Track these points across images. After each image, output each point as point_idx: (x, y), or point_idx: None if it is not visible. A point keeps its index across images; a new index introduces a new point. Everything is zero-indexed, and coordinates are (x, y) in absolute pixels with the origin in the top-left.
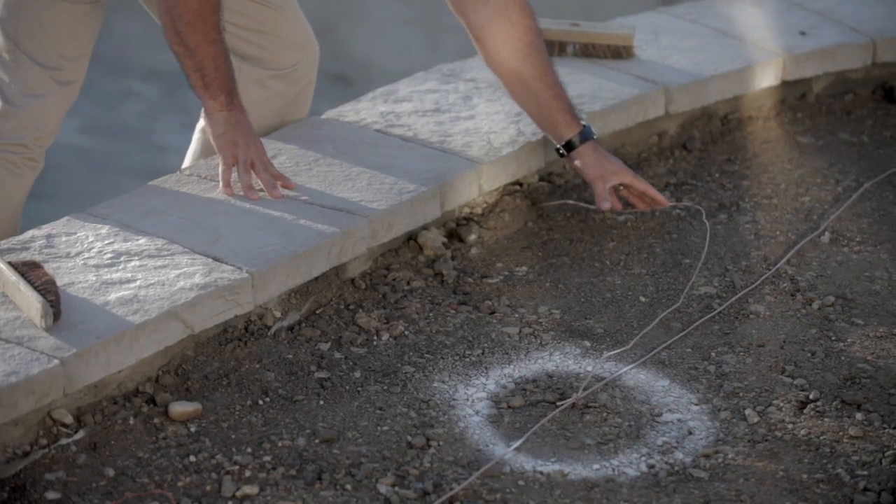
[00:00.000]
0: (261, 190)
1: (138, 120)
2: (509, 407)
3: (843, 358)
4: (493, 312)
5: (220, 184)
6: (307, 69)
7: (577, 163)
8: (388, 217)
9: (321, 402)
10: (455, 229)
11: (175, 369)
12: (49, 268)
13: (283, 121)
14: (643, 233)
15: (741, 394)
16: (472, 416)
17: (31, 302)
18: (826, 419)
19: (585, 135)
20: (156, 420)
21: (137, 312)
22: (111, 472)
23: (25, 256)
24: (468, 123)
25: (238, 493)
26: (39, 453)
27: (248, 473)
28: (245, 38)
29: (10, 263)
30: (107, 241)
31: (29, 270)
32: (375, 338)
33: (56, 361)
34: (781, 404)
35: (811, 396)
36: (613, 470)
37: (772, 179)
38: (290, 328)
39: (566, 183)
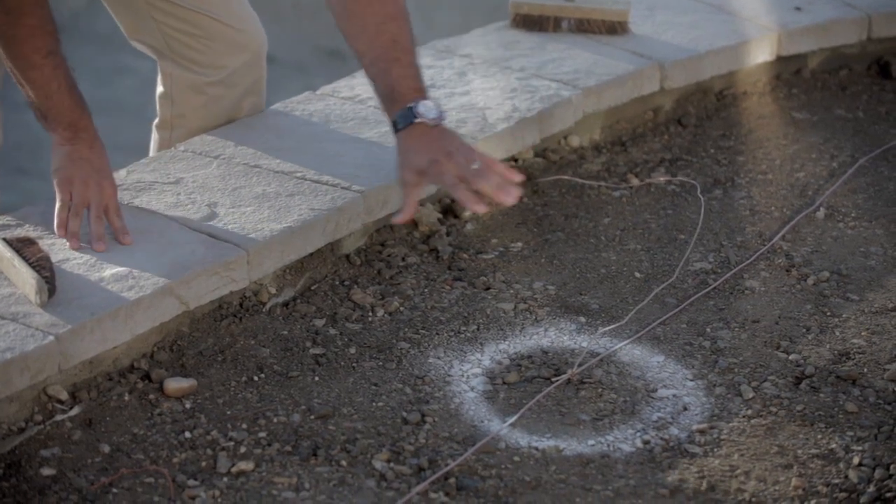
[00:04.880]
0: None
1: (132, 96)
2: (504, 383)
3: (837, 333)
4: (488, 288)
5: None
6: (248, 70)
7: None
8: (383, 193)
9: (316, 379)
10: (450, 205)
11: (170, 345)
12: (44, 244)
13: (230, 120)
14: (638, 208)
15: (736, 369)
16: (468, 391)
17: (25, 278)
18: (821, 395)
19: (405, 117)
20: (151, 396)
21: (133, 289)
22: (106, 449)
23: (20, 233)
24: (463, 99)
25: (233, 469)
26: (35, 429)
27: (243, 449)
28: (178, 40)
29: (4, 240)
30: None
31: (24, 247)
32: (370, 314)
33: (51, 338)
34: (776, 380)
35: (806, 372)
36: (609, 446)
37: (767, 155)
38: (285, 304)
39: (561, 159)
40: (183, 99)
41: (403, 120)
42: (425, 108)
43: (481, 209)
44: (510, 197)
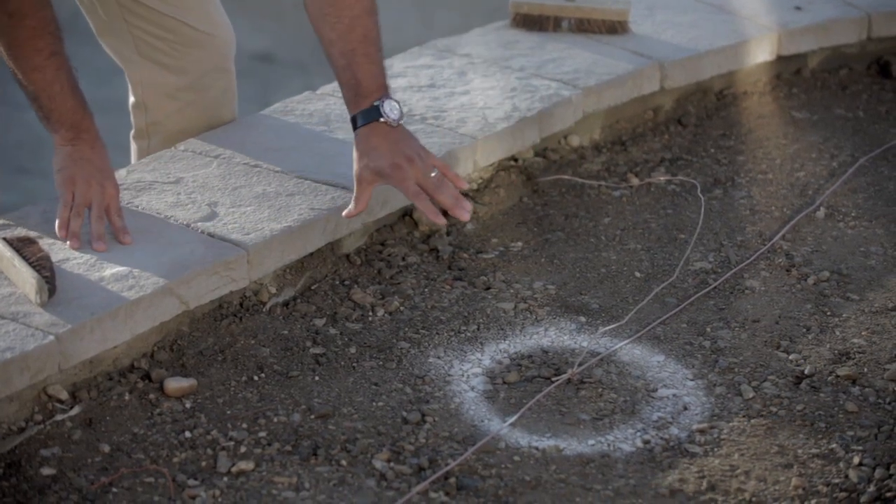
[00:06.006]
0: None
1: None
2: (504, 382)
3: (838, 333)
4: (488, 288)
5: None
6: (218, 74)
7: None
8: (383, 193)
9: (316, 378)
10: None
11: (170, 345)
12: (44, 244)
13: (209, 124)
14: (638, 208)
15: (736, 369)
16: (468, 391)
17: (25, 278)
18: (821, 394)
19: (368, 115)
20: (151, 396)
21: (133, 288)
22: (106, 448)
23: (20, 232)
24: (463, 99)
25: (233, 469)
26: (35, 429)
27: (243, 449)
28: (149, 43)
29: (4, 239)
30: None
31: (24, 246)
32: (371, 313)
33: (51, 337)
34: (777, 379)
35: (806, 371)
36: (609, 445)
37: (767, 154)
38: (286, 304)
39: (561, 158)
40: (156, 106)
41: (366, 117)
42: (390, 108)
43: (441, 222)
44: (465, 213)
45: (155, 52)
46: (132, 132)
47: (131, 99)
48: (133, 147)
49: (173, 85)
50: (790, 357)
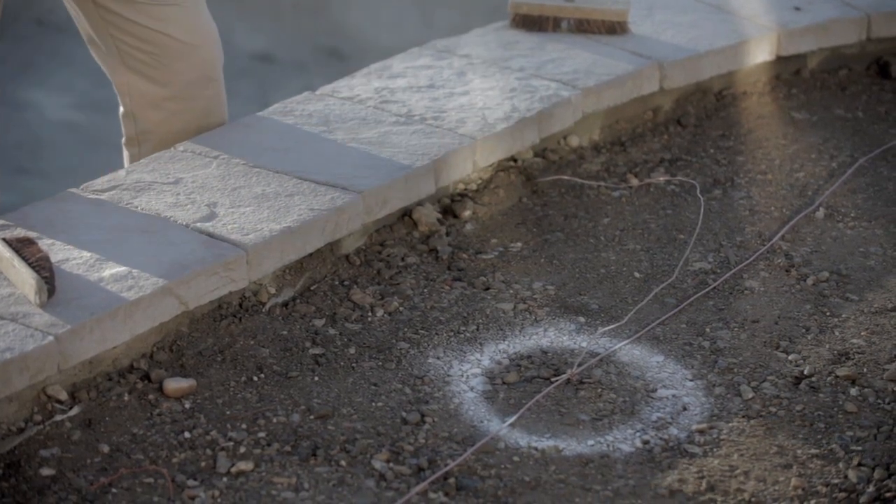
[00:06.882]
0: None
1: None
2: (504, 383)
3: (837, 333)
4: (487, 288)
5: None
6: (205, 83)
7: None
8: (383, 193)
9: (316, 379)
10: (450, 205)
11: (170, 345)
12: (43, 244)
13: (199, 131)
14: (638, 208)
15: (736, 369)
16: (467, 391)
17: (25, 278)
18: (821, 395)
19: None
20: (150, 396)
21: (132, 289)
22: (106, 449)
23: (20, 233)
24: (463, 99)
25: (233, 470)
26: (34, 429)
27: (242, 450)
28: (133, 56)
29: (4, 240)
30: (101, 217)
31: (23, 247)
32: (370, 314)
33: (51, 338)
34: (776, 380)
35: (805, 372)
36: (608, 446)
37: (766, 155)
38: (285, 304)
39: (561, 159)
40: (144, 116)
41: None
42: None
43: None
44: None
45: (139, 63)
46: (123, 139)
47: (120, 108)
48: (125, 154)
49: (159, 95)
50: (789, 357)
